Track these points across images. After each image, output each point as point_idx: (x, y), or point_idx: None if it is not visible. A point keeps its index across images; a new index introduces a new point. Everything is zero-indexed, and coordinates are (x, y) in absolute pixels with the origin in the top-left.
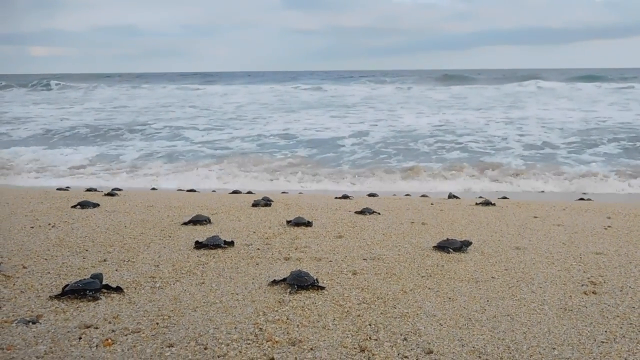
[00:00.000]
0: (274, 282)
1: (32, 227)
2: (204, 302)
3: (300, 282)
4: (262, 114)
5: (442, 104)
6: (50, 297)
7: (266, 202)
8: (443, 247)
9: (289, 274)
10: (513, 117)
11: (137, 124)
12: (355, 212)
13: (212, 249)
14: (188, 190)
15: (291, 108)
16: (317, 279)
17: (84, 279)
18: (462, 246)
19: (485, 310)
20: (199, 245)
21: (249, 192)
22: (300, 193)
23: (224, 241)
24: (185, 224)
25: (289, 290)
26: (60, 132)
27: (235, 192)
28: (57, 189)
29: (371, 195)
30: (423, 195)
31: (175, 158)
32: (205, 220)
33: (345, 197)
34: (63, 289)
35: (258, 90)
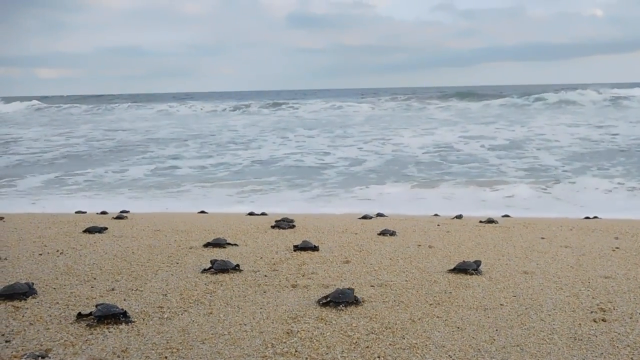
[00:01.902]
0: (322, 304)
1: (41, 254)
2: (212, 334)
3: (343, 298)
4: (258, 135)
5: (444, 122)
6: (87, 325)
7: (288, 224)
8: (464, 269)
9: (332, 292)
10: (517, 136)
11: (124, 146)
12: (378, 234)
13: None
14: (199, 212)
15: (288, 128)
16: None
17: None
18: (477, 267)
19: (494, 340)
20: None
21: (263, 214)
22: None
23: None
24: (205, 245)
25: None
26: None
27: (251, 213)
28: (76, 212)
29: (379, 215)
30: (436, 215)
31: (159, 182)
32: (224, 244)
33: (366, 217)
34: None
35: (260, 111)
